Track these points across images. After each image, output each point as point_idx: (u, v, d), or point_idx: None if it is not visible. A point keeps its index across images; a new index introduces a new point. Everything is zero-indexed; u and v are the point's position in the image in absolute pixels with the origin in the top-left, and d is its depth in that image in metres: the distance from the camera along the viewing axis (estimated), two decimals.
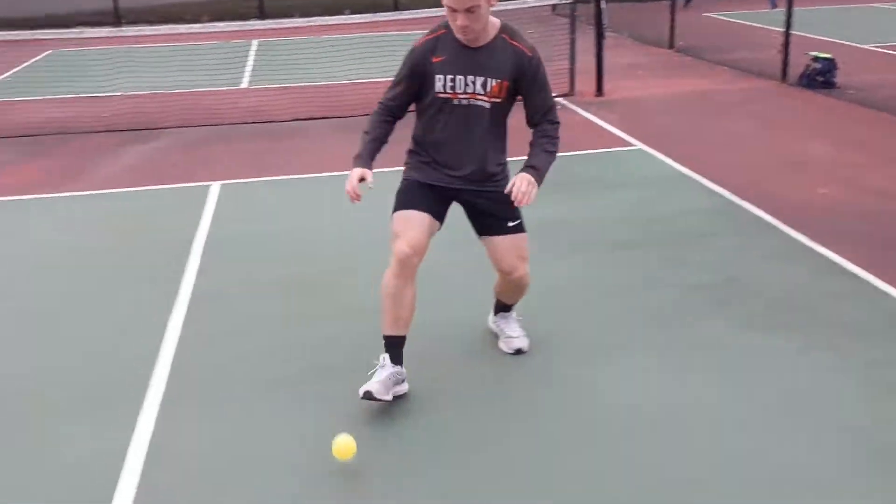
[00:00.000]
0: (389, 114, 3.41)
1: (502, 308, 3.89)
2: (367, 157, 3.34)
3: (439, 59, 3.27)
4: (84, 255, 5.19)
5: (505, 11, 11.86)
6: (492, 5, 3.20)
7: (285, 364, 3.79)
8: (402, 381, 3.44)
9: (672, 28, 12.26)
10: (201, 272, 4.82)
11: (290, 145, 7.63)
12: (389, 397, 3.34)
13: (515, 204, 3.27)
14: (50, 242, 5.43)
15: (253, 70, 11.57)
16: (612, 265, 4.77)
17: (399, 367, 3.42)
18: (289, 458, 3.12)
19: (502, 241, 3.52)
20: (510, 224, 3.51)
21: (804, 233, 5.09)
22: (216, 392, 3.60)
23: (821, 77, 9.27)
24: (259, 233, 5.42)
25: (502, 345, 3.85)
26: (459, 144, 3.39)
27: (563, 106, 8.77)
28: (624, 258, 4.85)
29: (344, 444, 2.99)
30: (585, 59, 9.45)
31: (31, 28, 15.36)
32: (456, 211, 3.56)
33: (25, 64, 12.34)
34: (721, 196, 5.83)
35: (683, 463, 3.02)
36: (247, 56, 12.60)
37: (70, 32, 9.28)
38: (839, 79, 9.25)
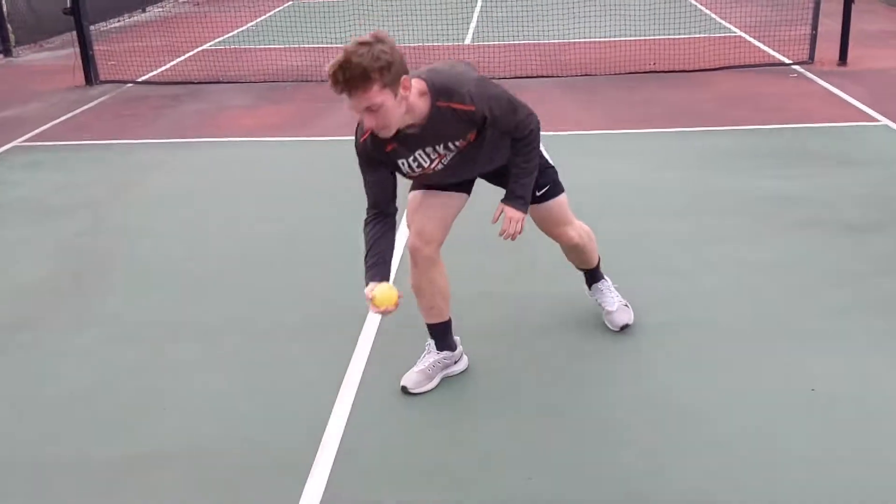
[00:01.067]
0: (382, 217, 3.00)
1: (590, 278, 3.67)
2: (375, 271, 2.93)
3: (390, 147, 2.87)
4: (314, 194, 5.54)
5: None
6: (406, 94, 2.70)
7: (489, 312, 3.86)
8: (456, 362, 3.36)
9: None
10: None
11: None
12: (431, 385, 3.26)
13: (507, 238, 3.03)
14: (284, 180, 5.84)
15: (477, 26, 11.71)
16: (840, 247, 4.44)
17: (447, 351, 3.31)
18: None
19: (536, 212, 3.28)
20: (538, 193, 3.20)
21: None
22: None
23: None
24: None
25: (607, 322, 3.63)
26: (459, 177, 3.11)
27: (800, 74, 8.19)
28: (853, 242, 4.49)
29: (386, 293, 2.87)
30: (828, 24, 8.74)
31: None
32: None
33: (268, 14, 13.20)
34: None
35: None
36: (472, 12, 12.75)
37: None
38: None
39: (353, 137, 2.96)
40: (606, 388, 3.30)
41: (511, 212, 3.02)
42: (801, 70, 8.37)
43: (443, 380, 3.34)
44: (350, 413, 3.17)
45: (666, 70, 8.38)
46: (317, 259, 4.56)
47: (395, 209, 3.04)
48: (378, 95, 2.61)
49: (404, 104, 2.72)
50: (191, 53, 10.45)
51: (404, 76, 2.67)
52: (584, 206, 4.84)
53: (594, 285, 3.72)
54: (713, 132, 6.54)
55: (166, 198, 5.60)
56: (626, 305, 3.68)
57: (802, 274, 4.17)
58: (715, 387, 3.28)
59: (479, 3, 13.40)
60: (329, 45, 10.34)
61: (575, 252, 3.54)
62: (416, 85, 2.77)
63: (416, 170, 2.98)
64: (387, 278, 2.95)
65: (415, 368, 3.30)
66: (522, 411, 3.16)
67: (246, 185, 5.80)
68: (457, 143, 2.95)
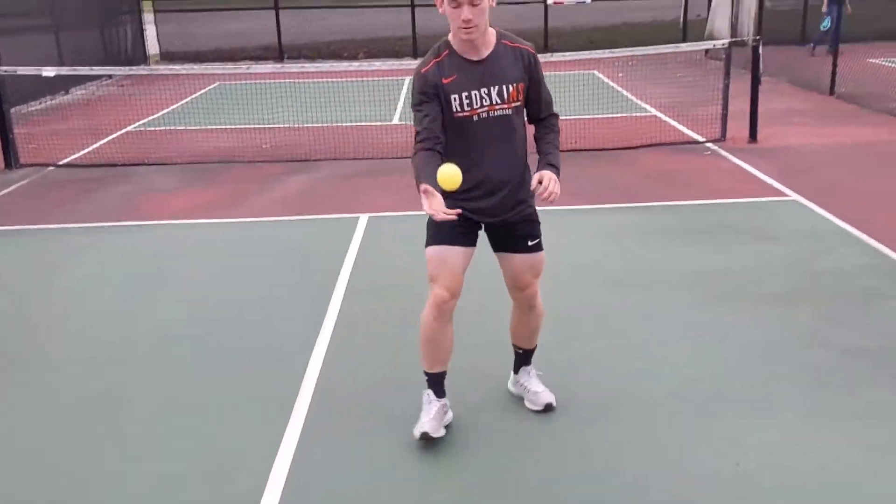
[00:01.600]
0: (434, 143, 3.16)
1: (523, 359, 3.75)
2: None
3: (449, 79, 3.19)
4: (241, 275, 5.47)
5: (655, 56, 11.74)
6: (491, 6, 3.15)
7: (417, 394, 3.84)
8: (447, 410, 3.53)
9: (833, 73, 11.75)
10: (346, 299, 4.99)
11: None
12: (442, 432, 3.44)
13: (544, 200, 3.17)
14: (210, 264, 5.76)
15: (404, 106, 11.92)
16: (763, 321, 4.58)
17: (443, 399, 3.51)
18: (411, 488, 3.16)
19: (522, 259, 3.44)
20: (531, 243, 3.43)
21: None
22: (355, 415, 3.69)
23: None
24: (400, 264, 5.55)
25: (529, 403, 3.69)
26: (485, 164, 3.26)
27: (713, 152, 8.56)
28: (776, 314, 4.65)
29: (450, 175, 2.97)
30: (738, 104, 9.19)
31: (201, 62, 16.54)
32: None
33: (195, 95, 13.19)
34: (887, 256, 5.50)
35: None
36: (399, 92, 13.00)
37: (239, 67, 9.86)
38: None
39: (413, 75, 3.28)
40: (545, 464, 3.29)
41: (552, 174, 3.18)
42: (715, 147, 8.74)
43: (369, 460, 3.31)
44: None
45: (591, 148, 8.65)
46: (241, 341, 4.49)
47: (443, 141, 3.19)
48: None
49: (488, 20, 3.15)
50: (115, 135, 10.33)
51: None
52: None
53: (523, 368, 3.76)
54: (637, 208, 6.74)
55: (88, 283, 5.45)
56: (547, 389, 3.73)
57: (729, 347, 4.28)
58: (648, 460, 3.31)
59: (406, 84, 13.68)
60: (256, 126, 10.39)
61: (531, 317, 3.59)
62: (490, 28, 3.22)
63: (465, 108, 3.20)
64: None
65: (425, 417, 3.44)
66: (465, 490, 3.13)
67: (170, 268, 5.70)
68: (508, 92, 3.21)
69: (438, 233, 3.27)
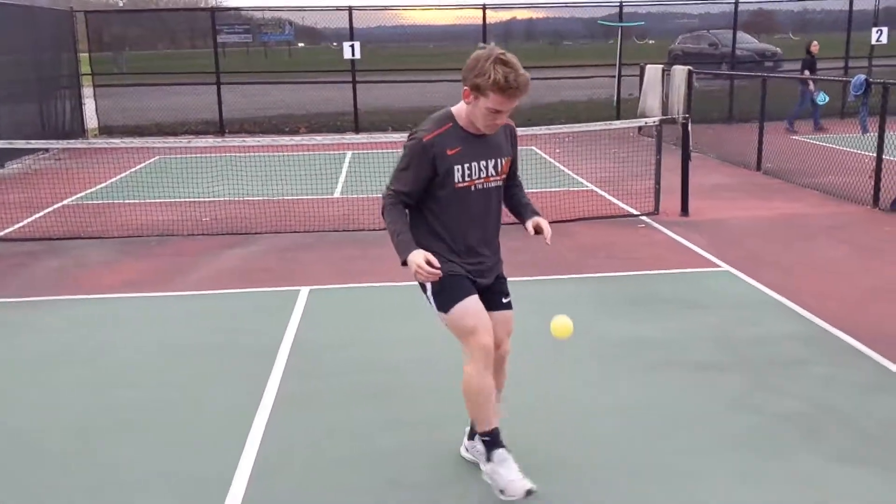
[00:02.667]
0: (405, 206, 3.44)
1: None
2: (412, 241, 3.35)
3: (454, 151, 3.36)
4: (176, 352, 5.38)
5: (591, 132, 12.11)
6: None
7: (364, 474, 3.81)
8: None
9: (760, 150, 12.26)
10: (285, 376, 4.94)
11: (377, 253, 7.83)
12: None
13: (548, 241, 3.54)
14: (145, 339, 5.65)
15: (346, 180, 12.02)
16: (693, 388, 4.68)
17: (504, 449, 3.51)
18: None
19: (498, 316, 3.57)
20: (504, 300, 3.62)
21: None
22: (295, 496, 3.63)
23: None
24: (343, 338, 5.53)
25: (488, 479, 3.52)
26: (475, 229, 3.49)
27: (647, 224, 8.80)
28: (706, 382, 4.75)
29: (562, 325, 3.39)
30: (670, 179, 9.51)
31: (141, 136, 16.48)
32: None
33: (134, 169, 13.11)
34: (813, 323, 5.69)
35: None
36: (341, 167, 13.12)
37: (179, 142, 9.86)
38: None
39: (412, 137, 3.39)
40: None
41: (543, 219, 3.56)
42: (649, 220, 9.00)
43: None
44: None
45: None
46: (174, 421, 4.39)
47: (412, 204, 3.43)
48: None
49: None
50: (51, 209, 10.17)
51: None
52: (447, 351, 4.96)
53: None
54: (571, 280, 6.87)
55: (15, 361, 5.30)
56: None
57: (660, 415, 4.35)
58: None
59: (348, 159, 13.82)
60: (196, 199, 10.34)
61: (500, 377, 3.67)
62: None
63: (466, 179, 3.39)
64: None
65: (514, 475, 3.42)
66: None
67: (103, 346, 5.58)
68: (501, 165, 3.47)
69: (458, 291, 3.42)
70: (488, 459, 3.50)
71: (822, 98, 15.32)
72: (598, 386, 4.72)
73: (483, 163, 3.42)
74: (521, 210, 3.68)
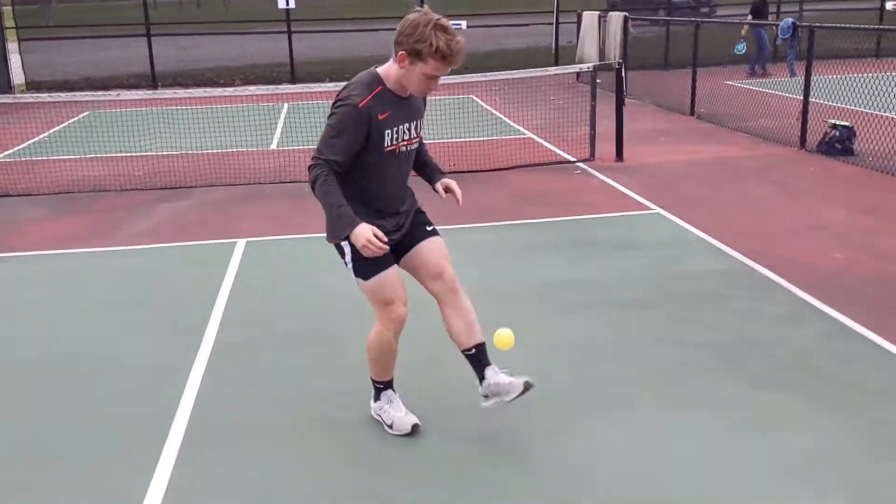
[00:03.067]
0: (336, 170, 3.33)
1: (482, 362, 3.59)
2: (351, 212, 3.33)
3: (385, 115, 3.32)
4: (112, 307, 5.36)
5: (532, 78, 12.17)
6: None
7: (296, 414, 3.90)
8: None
9: (693, 95, 12.48)
10: (223, 325, 4.97)
11: (313, 205, 7.80)
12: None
13: (459, 201, 3.66)
14: (79, 295, 5.61)
15: (282, 132, 11.91)
16: (620, 324, 4.85)
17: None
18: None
19: (427, 245, 3.59)
20: (429, 228, 3.66)
21: (815, 296, 5.15)
22: (233, 439, 3.70)
23: (839, 144, 9.38)
24: (280, 288, 5.57)
25: (506, 396, 3.52)
26: (398, 189, 3.55)
27: (583, 170, 8.95)
28: (633, 317, 4.93)
29: (505, 337, 3.51)
30: (606, 125, 9.65)
31: (70, 91, 16.01)
32: None
33: (63, 124, 12.78)
34: (736, 259, 5.91)
35: None
36: (277, 118, 12.97)
37: (108, 94, 9.63)
38: (857, 146, 9.36)
39: (344, 102, 3.30)
40: (398, 465, 3.40)
41: (452, 181, 3.65)
42: (585, 167, 9.14)
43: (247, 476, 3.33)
44: None
45: (464, 170, 8.89)
46: (112, 373, 4.41)
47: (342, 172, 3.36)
48: None
49: None
50: None
51: None
52: None
53: (487, 369, 3.60)
54: (506, 226, 6.98)
55: None
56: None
57: (586, 350, 4.52)
58: (516, 458, 3.47)
59: (284, 110, 13.66)
60: (128, 154, 10.16)
61: (461, 305, 3.56)
62: None
63: (393, 142, 3.39)
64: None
65: (401, 413, 3.70)
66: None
67: (37, 301, 5.52)
68: (418, 127, 3.52)
69: (376, 261, 3.40)
70: (376, 399, 3.75)
71: (739, 48, 15.58)
72: (529, 324, 4.85)
73: (406, 125, 3.43)
74: (428, 171, 3.72)
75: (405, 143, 3.45)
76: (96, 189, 8.60)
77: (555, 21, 18.87)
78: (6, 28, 17.16)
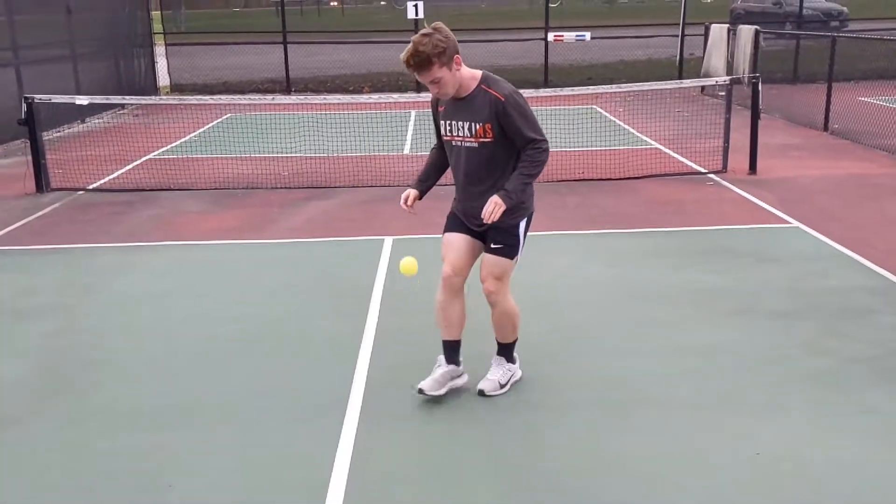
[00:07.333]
0: (439, 147, 4.19)
1: (501, 350, 4.29)
2: (418, 180, 4.24)
3: (442, 108, 4.02)
4: (280, 292, 5.81)
5: (653, 91, 12.20)
6: (458, 68, 3.82)
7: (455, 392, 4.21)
8: (459, 375, 4.19)
9: (827, 110, 12.25)
10: (382, 312, 5.35)
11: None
12: (441, 391, 4.09)
13: (484, 221, 3.90)
14: (249, 281, 6.10)
15: (412, 138, 12.34)
16: (768, 333, 4.95)
17: (454, 365, 4.17)
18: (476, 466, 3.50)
19: (485, 258, 4.09)
20: (493, 246, 4.05)
21: None
22: (404, 412, 4.03)
23: None
24: (427, 284, 5.88)
25: (480, 384, 4.20)
26: (463, 179, 4.05)
27: (716, 182, 8.98)
28: (783, 327, 5.02)
29: (409, 265, 4.01)
30: (736, 138, 9.63)
31: (211, 94, 16.96)
32: None
33: (209, 125, 13.59)
34: (883, 276, 5.89)
35: None
36: (407, 124, 13.43)
37: (252, 98, 10.26)
38: None
39: None
40: (567, 454, 3.63)
41: (495, 198, 3.88)
42: (717, 178, 9.16)
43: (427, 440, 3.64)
44: (347, 486, 3.42)
45: (595, 178, 9.06)
46: (286, 351, 4.83)
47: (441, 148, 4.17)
48: (438, 72, 3.76)
49: (457, 76, 3.83)
50: (138, 162, 10.69)
51: (456, 55, 3.79)
52: (539, 298, 5.30)
53: (498, 357, 4.28)
54: (644, 233, 7.13)
55: (133, 298, 5.78)
56: (502, 386, 4.21)
57: (739, 355, 4.65)
58: (671, 455, 3.66)
59: (413, 117, 14.12)
60: (272, 155, 10.77)
61: (493, 313, 4.16)
62: (473, 72, 3.92)
63: (448, 134, 4.00)
64: (417, 186, 4.22)
65: (430, 377, 4.12)
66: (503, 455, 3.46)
67: (208, 285, 6.03)
68: (475, 128, 3.88)
69: (447, 223, 4.18)
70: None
71: None
72: (679, 329, 5.02)
73: (459, 123, 3.93)
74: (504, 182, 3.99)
75: (460, 138, 3.95)
76: (249, 186, 9.19)
77: (680, 33, 18.74)
78: (154, 33, 18.29)
